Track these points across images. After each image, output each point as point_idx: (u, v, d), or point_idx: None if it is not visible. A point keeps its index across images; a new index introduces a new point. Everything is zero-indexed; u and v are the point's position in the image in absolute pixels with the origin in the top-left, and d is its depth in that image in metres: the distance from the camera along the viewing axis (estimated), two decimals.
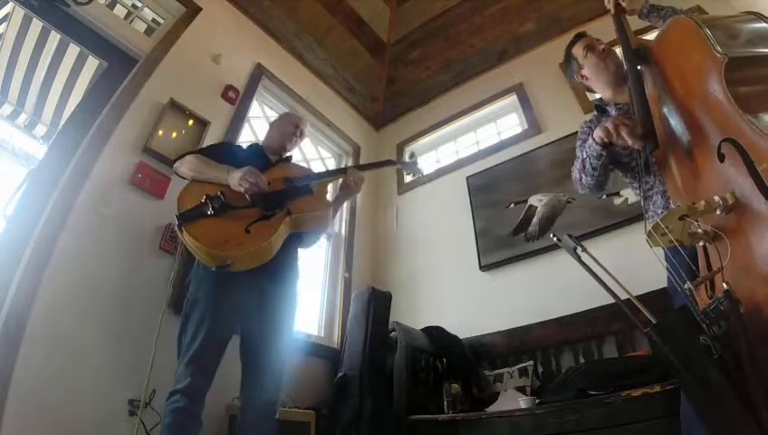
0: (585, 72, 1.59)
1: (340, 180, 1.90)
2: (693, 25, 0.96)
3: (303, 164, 3.26)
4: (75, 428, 1.57)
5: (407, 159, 2.17)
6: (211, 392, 1.45)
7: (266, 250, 1.53)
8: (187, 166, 1.67)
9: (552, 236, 1.02)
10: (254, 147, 2.00)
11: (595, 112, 1.59)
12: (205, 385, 1.41)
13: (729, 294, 0.66)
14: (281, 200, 1.63)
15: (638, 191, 1.42)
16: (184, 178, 1.68)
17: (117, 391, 1.69)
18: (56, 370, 1.59)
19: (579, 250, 0.92)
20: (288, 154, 1.99)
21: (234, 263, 1.46)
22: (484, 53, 3.59)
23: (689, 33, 0.97)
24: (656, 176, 1.31)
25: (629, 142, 1.10)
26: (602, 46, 1.55)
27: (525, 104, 3.23)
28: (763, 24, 0.95)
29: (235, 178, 1.58)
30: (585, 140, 1.51)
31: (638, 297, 0.83)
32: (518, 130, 3.24)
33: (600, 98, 1.60)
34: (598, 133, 1.22)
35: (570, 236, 0.95)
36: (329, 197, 1.87)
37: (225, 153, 1.76)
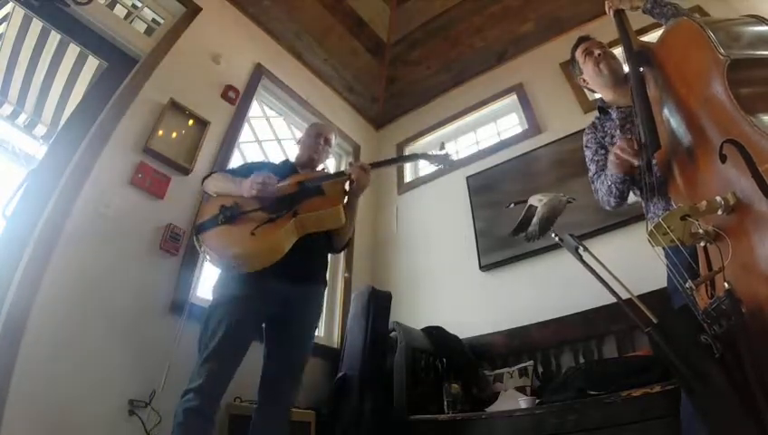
0: (584, 75, 1.64)
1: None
2: (696, 27, 0.97)
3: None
4: (75, 427, 1.57)
5: (437, 151, 2.02)
6: None
7: (271, 250, 1.56)
8: (211, 183, 1.80)
9: (553, 235, 1.02)
10: (286, 163, 2.02)
11: (597, 114, 1.60)
12: (218, 387, 1.42)
13: (731, 294, 0.67)
14: (289, 202, 1.66)
15: (639, 192, 1.43)
16: (209, 194, 1.79)
17: (117, 391, 1.69)
18: (56, 369, 1.59)
19: (580, 249, 0.93)
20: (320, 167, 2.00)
21: (239, 263, 1.54)
22: (484, 53, 3.59)
23: (692, 34, 0.98)
24: (657, 177, 1.32)
25: (636, 163, 1.18)
26: (599, 51, 1.57)
27: (525, 104, 3.23)
28: (765, 28, 0.95)
29: (246, 186, 1.65)
30: (593, 149, 1.55)
31: (638, 297, 0.83)
32: (518, 130, 3.24)
33: (602, 98, 1.61)
34: (613, 169, 1.28)
35: (571, 235, 0.95)
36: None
37: (253, 169, 1.78)
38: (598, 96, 1.66)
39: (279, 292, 1.60)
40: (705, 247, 0.84)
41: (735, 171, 0.76)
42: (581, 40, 1.66)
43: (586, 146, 1.59)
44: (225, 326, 1.46)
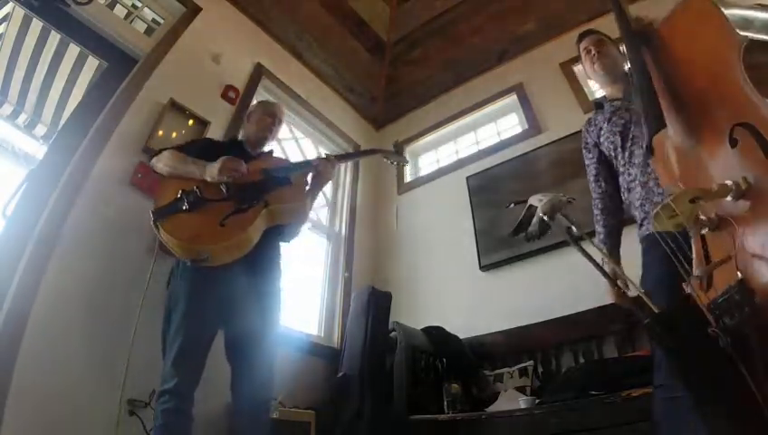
0: (585, 71, 1.69)
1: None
2: (709, 4, 0.92)
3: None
4: (75, 427, 1.57)
5: (392, 149, 2.12)
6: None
7: (243, 243, 1.51)
8: (163, 161, 1.65)
9: (541, 213, 1.02)
10: (234, 142, 1.97)
11: (594, 110, 1.65)
12: (192, 383, 1.40)
13: (743, 284, 0.63)
14: (257, 192, 1.60)
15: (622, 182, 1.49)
16: (160, 173, 1.67)
17: (117, 391, 1.69)
18: (56, 370, 1.59)
19: (573, 230, 0.91)
20: (269, 148, 1.95)
21: (210, 257, 1.45)
22: (484, 53, 3.59)
23: (704, 12, 0.94)
24: (638, 167, 1.37)
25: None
26: (595, 51, 1.60)
27: (525, 104, 3.23)
28: None
29: (214, 170, 1.56)
30: (588, 149, 1.61)
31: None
32: (518, 130, 3.24)
33: (604, 96, 1.64)
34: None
35: (565, 216, 0.94)
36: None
37: (203, 148, 1.73)
38: (600, 94, 1.70)
39: (240, 282, 1.55)
40: (702, 237, 0.79)
41: (746, 156, 0.72)
42: (583, 36, 1.69)
43: (584, 147, 1.63)
44: (188, 323, 1.42)
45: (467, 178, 3.19)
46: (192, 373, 1.41)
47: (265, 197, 1.59)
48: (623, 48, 1.42)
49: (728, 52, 0.82)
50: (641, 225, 1.39)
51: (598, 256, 0.87)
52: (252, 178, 1.63)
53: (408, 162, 2.15)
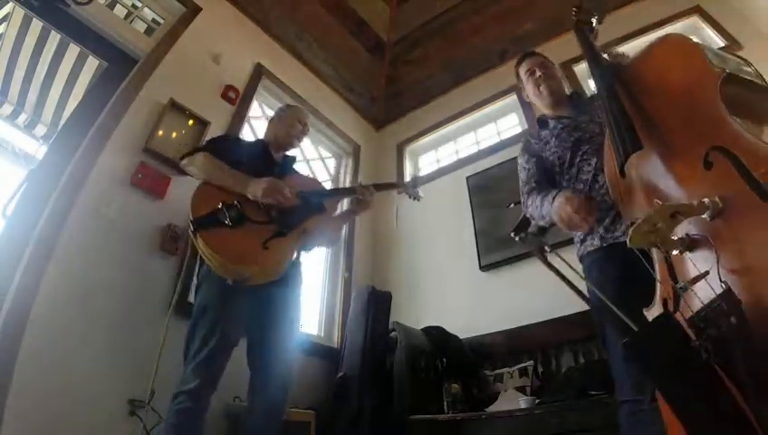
0: (526, 92, 1.67)
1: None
2: (688, 39, 0.98)
3: (303, 165, 3.27)
4: (75, 428, 1.57)
5: (410, 182, 2.20)
6: None
7: (280, 267, 1.56)
8: (198, 166, 1.65)
9: (513, 234, 1.03)
10: (259, 144, 1.99)
11: (537, 127, 1.63)
12: (212, 388, 1.44)
13: (730, 294, 0.64)
14: (296, 217, 1.64)
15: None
16: (192, 176, 1.67)
17: (117, 391, 1.69)
18: (56, 370, 1.59)
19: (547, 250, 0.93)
20: (292, 153, 2.01)
21: (251, 277, 1.48)
22: (484, 53, 3.59)
23: (684, 46, 0.99)
24: (584, 183, 1.37)
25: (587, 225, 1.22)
26: (539, 73, 1.59)
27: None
28: (747, 67, 0.96)
29: (258, 191, 1.58)
30: (525, 157, 1.59)
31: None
32: (518, 130, 3.25)
33: (545, 114, 1.62)
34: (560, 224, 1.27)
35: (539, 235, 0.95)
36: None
37: (230, 150, 1.75)
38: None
39: (265, 292, 1.58)
40: (666, 258, 0.81)
41: (721, 178, 0.75)
42: (525, 57, 1.70)
43: (522, 155, 1.61)
44: (217, 333, 1.44)
45: (467, 178, 3.19)
46: (213, 378, 1.43)
47: (303, 223, 1.64)
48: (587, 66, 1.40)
49: (707, 80, 0.87)
50: (583, 240, 1.37)
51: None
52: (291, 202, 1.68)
53: (421, 197, 2.20)
